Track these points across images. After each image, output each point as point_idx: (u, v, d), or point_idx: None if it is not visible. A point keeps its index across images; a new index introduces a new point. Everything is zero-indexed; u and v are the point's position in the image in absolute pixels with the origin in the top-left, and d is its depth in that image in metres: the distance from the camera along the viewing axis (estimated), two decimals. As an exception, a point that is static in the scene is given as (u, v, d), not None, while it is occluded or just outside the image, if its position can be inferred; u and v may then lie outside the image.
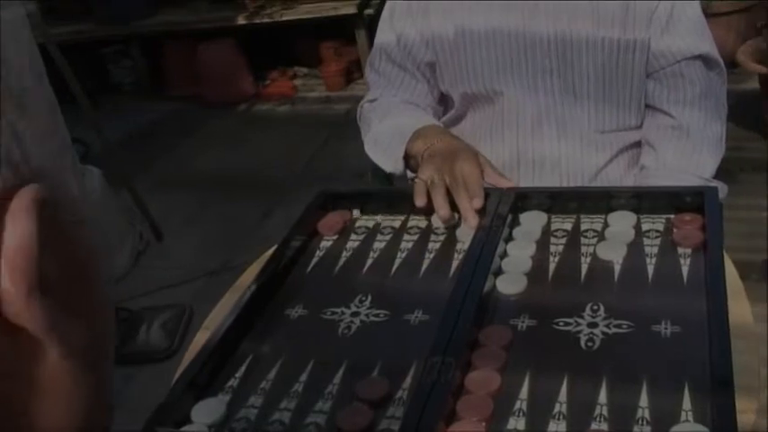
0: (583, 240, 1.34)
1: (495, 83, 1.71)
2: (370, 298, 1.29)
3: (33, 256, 0.44)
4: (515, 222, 1.40)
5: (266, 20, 5.02)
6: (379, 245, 1.42)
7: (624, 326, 1.15)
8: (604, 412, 1.02)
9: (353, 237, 1.46)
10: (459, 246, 1.38)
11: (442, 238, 1.41)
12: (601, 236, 1.34)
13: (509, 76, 1.70)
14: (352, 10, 4.86)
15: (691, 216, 1.36)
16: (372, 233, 1.46)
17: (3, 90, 0.45)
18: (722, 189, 1.58)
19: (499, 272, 1.29)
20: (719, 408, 0.96)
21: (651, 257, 1.30)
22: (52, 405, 0.49)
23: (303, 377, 1.14)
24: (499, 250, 1.31)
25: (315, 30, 5.10)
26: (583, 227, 1.38)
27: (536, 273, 1.28)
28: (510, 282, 1.26)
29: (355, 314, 1.26)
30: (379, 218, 1.50)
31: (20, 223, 0.44)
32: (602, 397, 1.04)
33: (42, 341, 0.46)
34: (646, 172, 1.67)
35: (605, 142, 1.71)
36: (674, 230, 1.34)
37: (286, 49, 5.34)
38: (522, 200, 1.43)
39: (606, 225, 1.37)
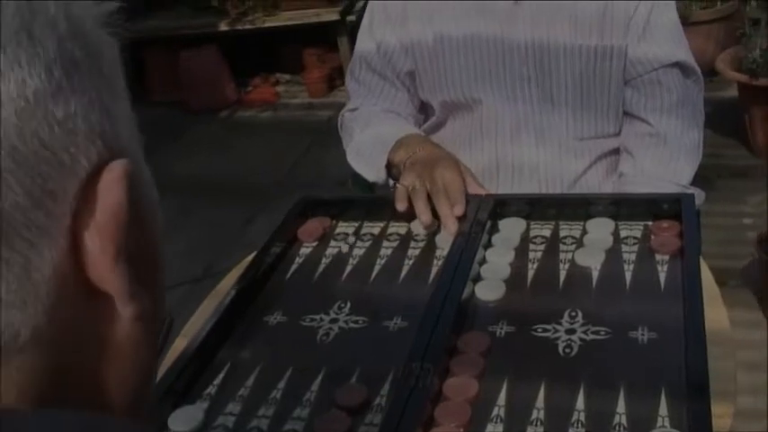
0: (561, 247, 1.34)
1: (474, 91, 1.71)
2: (349, 305, 1.28)
3: (123, 224, 0.48)
4: (494, 229, 1.40)
5: (248, 26, 5.02)
6: (358, 251, 1.42)
7: (602, 332, 1.15)
8: (582, 418, 1.02)
9: (333, 243, 1.45)
10: (438, 252, 1.38)
11: (421, 244, 1.41)
12: (579, 242, 1.35)
13: (487, 83, 1.71)
14: (334, 17, 4.87)
15: (668, 223, 1.36)
16: (352, 240, 1.45)
17: (94, 70, 0.49)
18: (699, 196, 1.59)
19: (478, 278, 1.29)
20: (695, 413, 0.96)
21: (629, 264, 1.30)
22: (120, 365, 0.52)
23: (281, 384, 1.14)
24: (478, 257, 1.31)
25: (297, 36, 5.11)
26: (561, 233, 1.38)
27: (515, 279, 1.28)
28: (489, 288, 1.26)
29: (334, 321, 1.26)
30: (358, 225, 1.49)
31: (112, 193, 0.47)
32: (580, 403, 1.04)
33: (118, 306, 0.49)
34: (624, 179, 1.67)
35: (584, 149, 1.71)
36: (652, 237, 1.35)
37: (269, 56, 5.34)
38: (502, 206, 1.43)
39: (584, 232, 1.37)
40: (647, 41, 1.67)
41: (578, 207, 1.41)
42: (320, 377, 1.14)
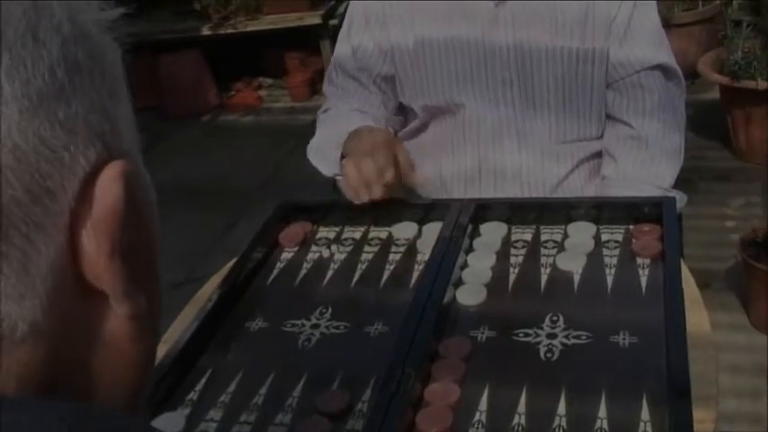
0: (543, 251, 1.35)
1: (456, 95, 1.71)
2: (330, 310, 1.29)
3: (119, 223, 0.49)
4: (476, 233, 1.41)
5: (230, 30, 5.02)
6: (339, 256, 1.42)
7: (583, 337, 1.16)
8: (563, 423, 1.02)
9: (314, 248, 1.46)
10: (419, 257, 1.38)
11: (402, 249, 1.42)
12: (560, 246, 1.35)
13: (469, 87, 1.71)
14: (316, 20, 4.86)
15: (649, 226, 1.37)
16: (333, 244, 1.46)
17: (96, 73, 0.50)
18: (681, 199, 1.60)
19: (459, 283, 1.29)
20: (677, 418, 0.97)
21: (610, 268, 1.31)
22: (116, 362, 0.53)
23: (263, 390, 1.14)
24: (459, 261, 1.31)
25: (280, 40, 5.10)
26: (543, 237, 1.38)
27: (496, 284, 1.28)
28: (470, 293, 1.27)
29: (315, 326, 1.26)
30: (339, 229, 1.50)
31: (109, 192, 0.49)
32: (561, 408, 1.04)
33: (113, 304, 0.50)
34: (606, 182, 1.68)
35: (566, 153, 1.72)
36: (633, 241, 1.35)
37: (251, 60, 5.33)
38: (483, 211, 1.43)
39: (566, 236, 1.37)
40: (628, 44, 1.68)
41: (559, 211, 1.42)
42: (302, 383, 1.14)
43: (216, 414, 1.12)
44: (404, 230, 1.45)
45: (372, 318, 1.24)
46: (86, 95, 0.49)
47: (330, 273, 1.38)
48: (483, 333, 1.18)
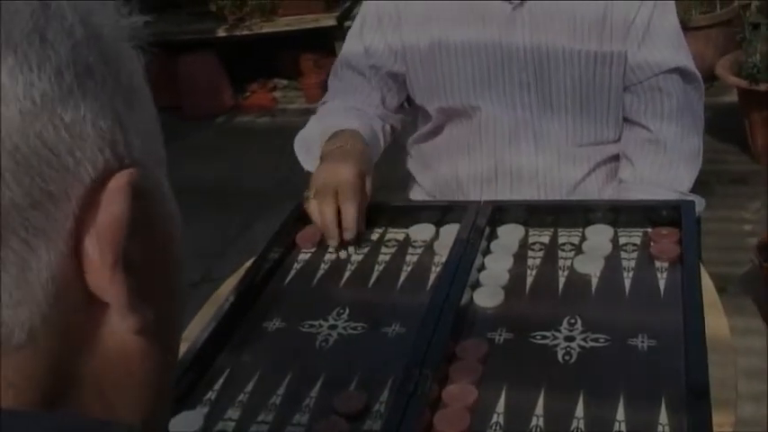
0: (560, 254, 1.34)
1: (472, 97, 1.71)
2: (347, 311, 1.29)
3: (122, 233, 0.48)
4: (493, 235, 1.41)
5: (246, 32, 5.03)
6: (356, 257, 1.42)
7: (601, 339, 1.15)
8: (581, 426, 1.02)
9: (331, 249, 1.45)
10: (436, 259, 1.38)
11: (419, 251, 1.41)
12: (578, 249, 1.35)
13: (485, 90, 1.70)
14: (331, 22, 4.87)
15: (667, 230, 1.36)
16: (350, 246, 1.46)
17: (109, 79, 0.50)
18: (699, 203, 1.59)
19: (477, 285, 1.29)
20: (696, 422, 0.96)
21: (628, 271, 1.30)
22: (124, 379, 0.52)
23: (280, 390, 1.14)
24: (477, 263, 1.31)
25: (295, 42, 5.11)
26: (560, 240, 1.38)
27: (513, 286, 1.28)
28: (487, 295, 1.26)
29: (333, 327, 1.26)
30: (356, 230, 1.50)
31: (113, 202, 0.48)
32: (579, 410, 1.04)
33: (115, 317, 0.49)
34: (624, 185, 1.67)
35: (583, 156, 1.71)
36: (651, 244, 1.35)
37: (266, 61, 5.34)
38: (500, 213, 1.43)
39: (584, 238, 1.37)
40: (647, 47, 1.67)
41: (577, 214, 1.41)
42: (319, 383, 1.14)
43: (234, 413, 1.12)
44: (421, 232, 1.45)
45: (390, 319, 1.24)
46: (97, 100, 0.49)
47: (347, 274, 1.39)
48: (500, 335, 1.18)
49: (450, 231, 1.40)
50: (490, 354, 1.14)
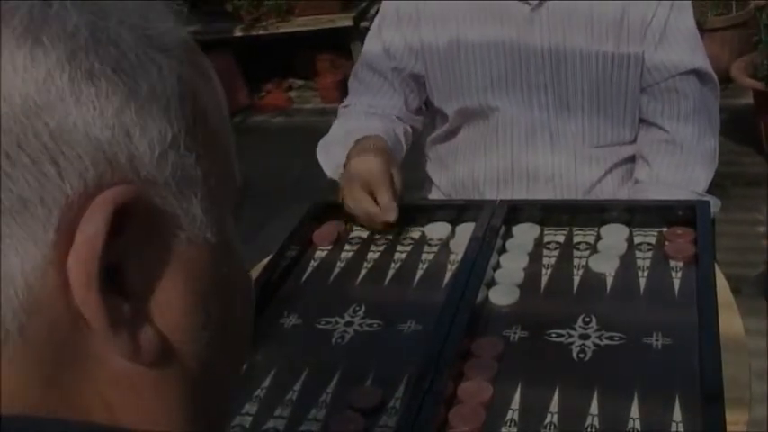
0: (575, 253, 1.35)
1: (490, 98, 1.71)
2: (363, 308, 1.30)
3: (96, 252, 0.46)
4: (508, 234, 1.41)
5: (262, 32, 5.05)
6: (372, 255, 1.43)
7: (616, 338, 1.16)
8: (596, 423, 1.03)
9: (347, 247, 1.47)
10: (452, 257, 1.39)
11: (435, 249, 1.42)
12: (593, 248, 1.35)
13: (503, 90, 1.71)
14: (348, 23, 4.88)
15: (683, 230, 1.37)
16: (366, 244, 1.47)
17: (120, 87, 0.47)
18: (715, 203, 1.59)
19: (492, 283, 1.30)
20: (709, 420, 0.97)
21: (643, 270, 1.31)
22: (129, 399, 0.50)
23: (297, 386, 1.15)
24: (492, 262, 1.32)
25: (311, 41, 5.12)
26: (575, 239, 1.38)
27: (529, 284, 1.29)
28: (503, 293, 1.27)
29: (349, 324, 1.27)
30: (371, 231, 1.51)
31: (89, 220, 0.46)
32: (594, 408, 1.05)
33: (97, 338, 0.47)
34: (639, 186, 1.68)
35: (599, 157, 1.72)
36: (666, 243, 1.35)
37: (282, 61, 5.36)
38: (515, 212, 1.44)
39: (599, 238, 1.38)
40: (664, 48, 1.68)
41: (592, 213, 1.42)
42: (335, 379, 1.15)
43: (251, 408, 1.13)
44: (437, 230, 1.46)
45: (406, 316, 1.25)
46: (95, 108, 0.46)
47: (363, 271, 1.40)
48: (515, 333, 1.18)
49: (465, 230, 1.41)
50: (505, 351, 1.14)
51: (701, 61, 1.71)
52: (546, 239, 1.39)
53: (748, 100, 3.65)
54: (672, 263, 1.32)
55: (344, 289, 1.37)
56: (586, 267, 1.31)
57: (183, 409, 0.53)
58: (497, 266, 1.33)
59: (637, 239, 1.37)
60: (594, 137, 1.71)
